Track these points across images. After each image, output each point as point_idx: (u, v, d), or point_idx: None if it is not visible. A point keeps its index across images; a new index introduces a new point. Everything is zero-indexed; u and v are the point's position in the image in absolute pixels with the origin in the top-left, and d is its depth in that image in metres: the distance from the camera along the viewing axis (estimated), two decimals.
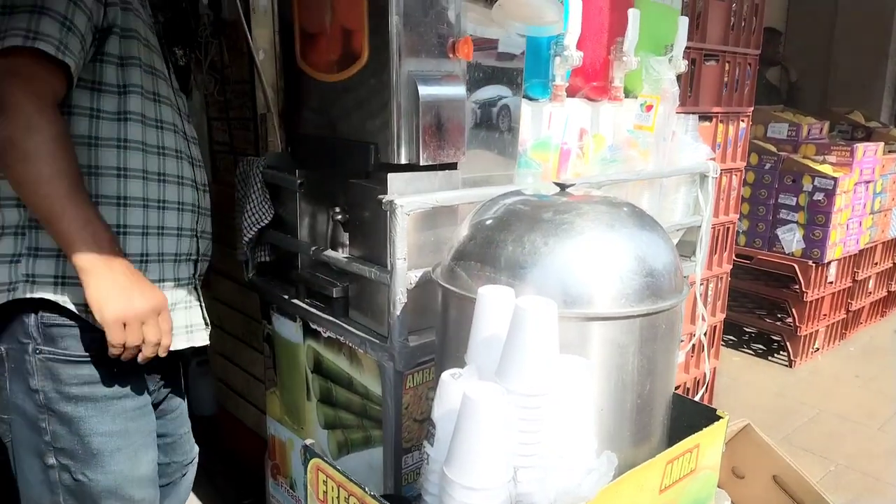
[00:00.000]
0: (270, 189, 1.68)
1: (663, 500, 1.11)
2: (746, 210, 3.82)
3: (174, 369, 1.52)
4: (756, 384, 3.57)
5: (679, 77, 1.97)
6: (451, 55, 1.41)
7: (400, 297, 1.36)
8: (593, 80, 1.86)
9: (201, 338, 1.44)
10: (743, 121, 2.78)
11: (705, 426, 1.18)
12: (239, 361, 2.33)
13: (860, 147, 3.73)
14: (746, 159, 2.92)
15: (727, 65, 2.63)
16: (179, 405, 1.55)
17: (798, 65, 5.63)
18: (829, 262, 3.72)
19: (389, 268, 1.36)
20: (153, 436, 1.40)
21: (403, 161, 1.38)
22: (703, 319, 2.27)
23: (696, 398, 2.04)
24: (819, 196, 3.62)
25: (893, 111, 5.71)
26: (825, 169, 3.63)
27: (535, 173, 1.66)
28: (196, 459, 1.61)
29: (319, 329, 1.60)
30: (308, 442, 1.14)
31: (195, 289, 1.45)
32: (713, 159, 2.06)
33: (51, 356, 1.23)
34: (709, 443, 1.18)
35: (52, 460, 1.27)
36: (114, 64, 1.24)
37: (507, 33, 1.52)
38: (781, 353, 3.91)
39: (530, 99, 1.72)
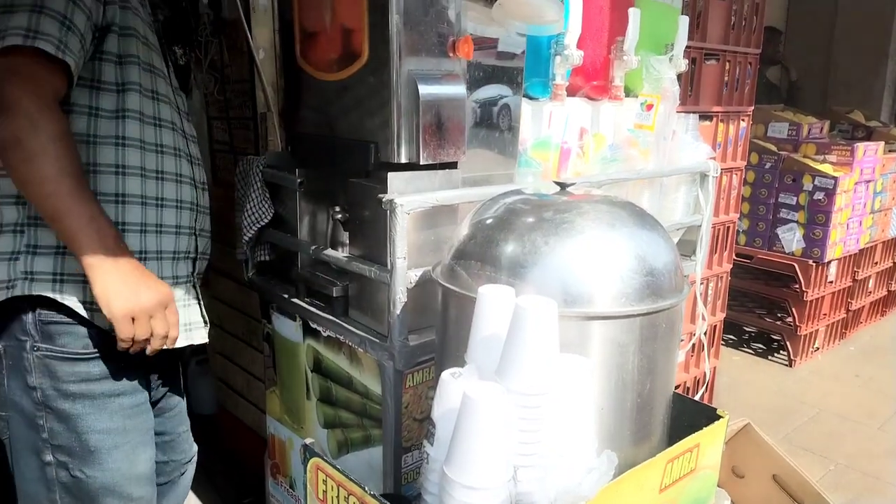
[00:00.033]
0: (270, 188, 1.68)
1: (663, 500, 1.11)
2: (747, 209, 3.82)
3: (172, 367, 1.52)
4: (756, 383, 3.57)
5: (679, 76, 1.97)
6: (451, 54, 1.40)
7: (400, 297, 1.36)
8: (594, 80, 1.86)
9: (200, 336, 1.45)
10: (743, 120, 2.78)
11: (705, 425, 1.18)
12: (239, 361, 2.33)
13: (860, 146, 3.73)
14: (747, 158, 2.92)
15: (727, 64, 2.63)
16: (178, 403, 1.55)
17: (798, 64, 5.63)
18: (829, 262, 3.72)
19: (389, 267, 1.36)
20: (151, 434, 1.40)
21: (403, 160, 1.38)
22: (704, 319, 2.27)
23: (696, 397, 2.04)
24: (819, 195, 3.62)
25: (893, 111, 5.71)
26: (825, 168, 3.63)
27: (536, 172, 1.65)
28: (195, 458, 1.61)
29: (319, 328, 1.60)
30: (308, 441, 1.14)
31: (194, 287, 1.45)
32: (713, 158, 2.06)
33: (49, 353, 1.23)
34: (709, 442, 1.18)
35: (49, 457, 1.27)
36: (112, 62, 1.25)
37: (508, 32, 1.52)
38: (781, 352, 3.91)
39: (530, 98, 1.72)
